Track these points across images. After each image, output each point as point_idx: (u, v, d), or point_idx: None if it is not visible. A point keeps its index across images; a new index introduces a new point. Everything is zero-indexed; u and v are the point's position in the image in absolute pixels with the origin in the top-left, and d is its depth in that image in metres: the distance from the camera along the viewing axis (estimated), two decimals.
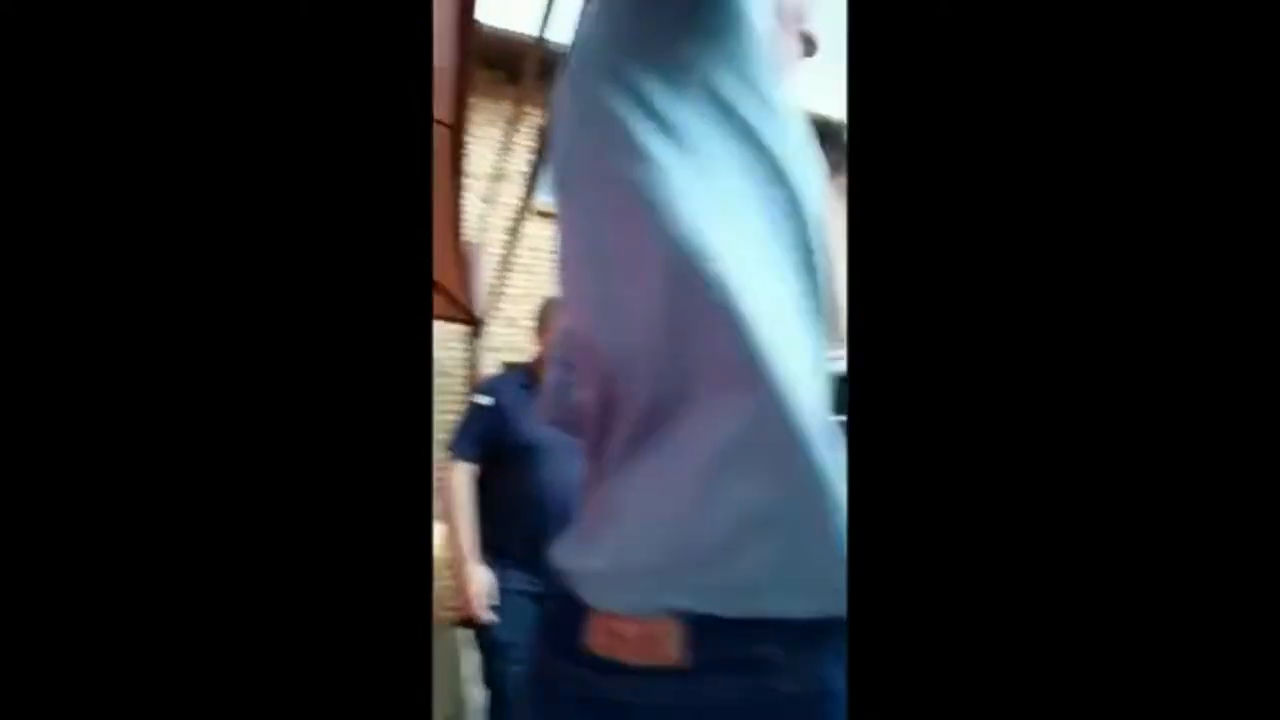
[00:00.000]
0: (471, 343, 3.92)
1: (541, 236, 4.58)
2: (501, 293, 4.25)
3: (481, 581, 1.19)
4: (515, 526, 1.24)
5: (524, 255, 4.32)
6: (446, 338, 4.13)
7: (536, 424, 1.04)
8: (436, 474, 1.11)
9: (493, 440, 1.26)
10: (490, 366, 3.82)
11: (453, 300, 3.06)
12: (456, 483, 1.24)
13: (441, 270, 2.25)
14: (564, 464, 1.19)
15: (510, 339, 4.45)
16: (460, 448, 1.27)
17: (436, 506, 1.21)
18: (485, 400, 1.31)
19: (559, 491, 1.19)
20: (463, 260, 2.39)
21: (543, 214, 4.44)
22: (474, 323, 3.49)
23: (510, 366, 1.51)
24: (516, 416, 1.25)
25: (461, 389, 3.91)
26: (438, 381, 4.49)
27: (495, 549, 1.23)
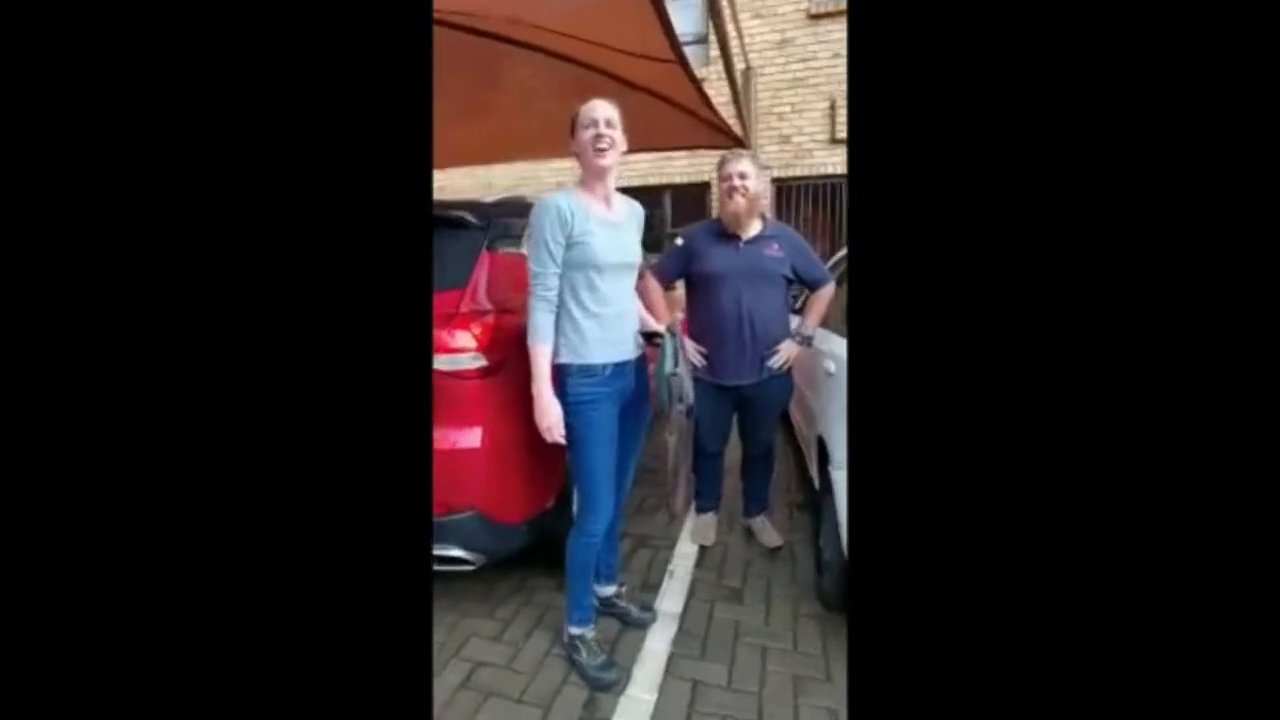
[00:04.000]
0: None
1: (816, 45, 4.60)
2: (773, 112, 4.59)
3: (685, 346, 1.69)
4: (698, 327, 1.81)
5: (796, 69, 4.28)
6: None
7: (714, 261, 1.73)
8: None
9: (682, 269, 1.82)
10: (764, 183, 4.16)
11: (714, 126, 3.15)
12: (653, 287, 1.79)
13: (691, 100, 2.56)
14: (733, 290, 1.73)
15: (782, 156, 4.49)
16: (657, 270, 1.83)
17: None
18: (679, 241, 1.84)
19: (727, 308, 1.73)
20: (704, 92, 2.57)
21: (814, 16, 4.55)
22: (741, 144, 3.54)
23: (708, 218, 1.93)
24: (700, 253, 1.77)
25: None
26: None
27: (693, 337, 1.80)
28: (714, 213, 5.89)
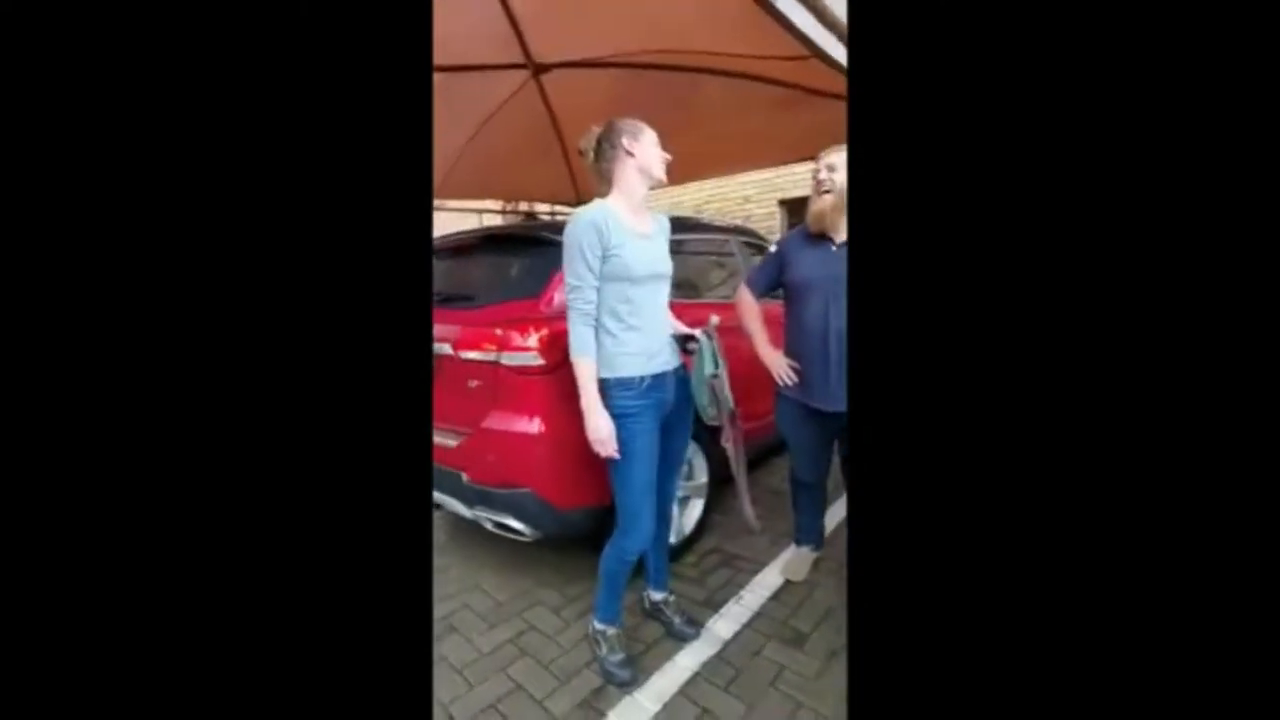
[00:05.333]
0: None
1: None
2: None
3: (776, 360, 1.66)
4: (789, 342, 1.70)
5: None
6: None
7: (801, 268, 1.61)
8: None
9: (775, 279, 1.72)
10: None
11: None
12: (744, 300, 1.75)
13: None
14: (819, 300, 1.58)
15: None
16: (752, 281, 1.77)
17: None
18: (773, 248, 1.83)
19: (812, 320, 1.60)
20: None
21: None
22: None
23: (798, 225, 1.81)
24: (791, 260, 1.67)
25: None
26: None
27: (786, 353, 1.68)
28: None
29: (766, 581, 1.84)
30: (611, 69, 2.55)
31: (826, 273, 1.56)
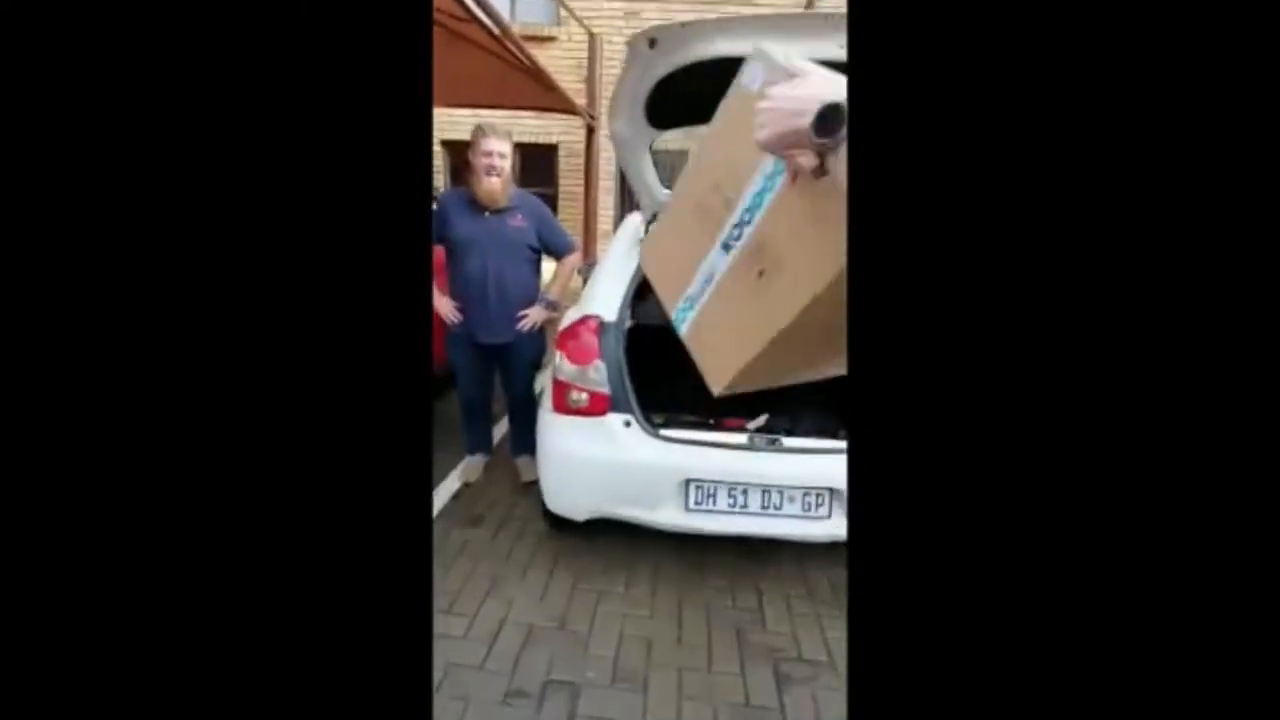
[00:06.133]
0: (589, 131, 4.71)
1: (661, 18, 4.87)
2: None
3: (444, 304, 2.03)
4: (456, 289, 2.03)
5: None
6: (572, 126, 5.14)
7: (463, 229, 1.94)
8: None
9: (439, 232, 1.98)
10: (605, 148, 4.75)
11: (559, 94, 3.69)
12: None
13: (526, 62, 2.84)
14: (479, 257, 1.96)
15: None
16: None
17: None
18: (434, 206, 2.01)
19: (475, 274, 1.96)
20: (511, 51, 2.88)
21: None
22: (579, 112, 4.22)
23: (456, 185, 1.96)
24: (451, 220, 1.95)
25: (581, 166, 4.99)
26: (569, 161, 5.56)
27: (452, 297, 2.04)
28: (560, 173, 6.02)
29: (449, 488, 2.20)
30: None
31: (485, 236, 1.95)
